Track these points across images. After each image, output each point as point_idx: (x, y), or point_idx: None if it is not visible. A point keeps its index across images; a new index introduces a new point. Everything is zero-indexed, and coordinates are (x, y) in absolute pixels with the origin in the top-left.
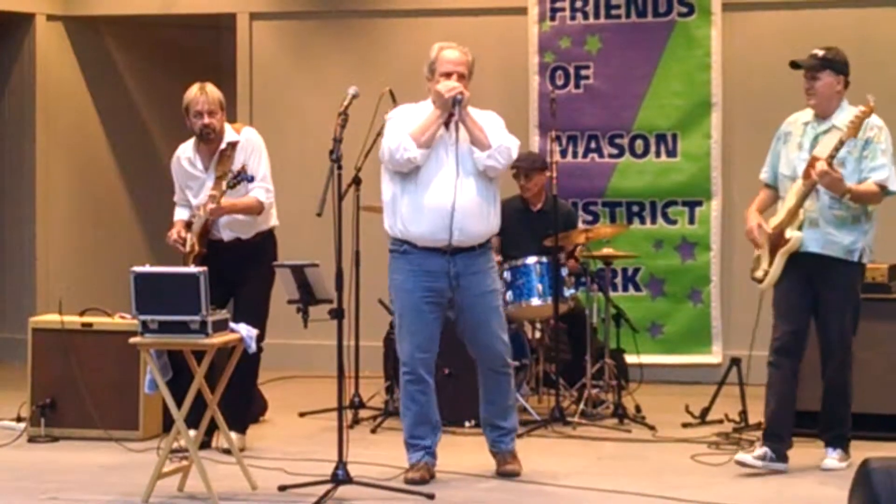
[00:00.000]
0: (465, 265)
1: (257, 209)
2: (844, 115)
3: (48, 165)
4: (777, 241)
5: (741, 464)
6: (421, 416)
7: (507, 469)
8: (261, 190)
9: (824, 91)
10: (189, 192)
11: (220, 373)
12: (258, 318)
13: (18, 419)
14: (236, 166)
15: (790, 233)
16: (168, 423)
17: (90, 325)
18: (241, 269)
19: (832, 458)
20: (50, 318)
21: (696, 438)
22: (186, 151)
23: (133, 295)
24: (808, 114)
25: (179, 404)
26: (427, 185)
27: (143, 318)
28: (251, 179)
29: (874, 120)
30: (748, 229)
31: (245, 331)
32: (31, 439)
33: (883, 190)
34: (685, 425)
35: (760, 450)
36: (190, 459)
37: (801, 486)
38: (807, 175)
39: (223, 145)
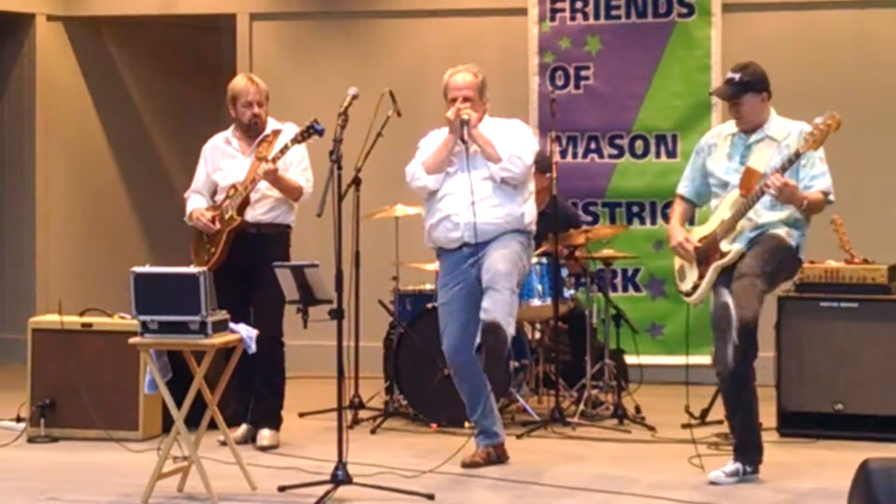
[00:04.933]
0: (487, 244)
1: (297, 193)
2: (776, 124)
3: (48, 165)
4: (709, 252)
5: (715, 483)
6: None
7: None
8: (302, 178)
9: (750, 111)
10: (219, 174)
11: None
12: (277, 317)
13: (18, 419)
14: (275, 153)
15: (727, 246)
16: (168, 424)
17: (90, 325)
18: (256, 270)
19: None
20: (50, 319)
21: (696, 439)
22: (222, 136)
23: (133, 295)
24: (732, 125)
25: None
26: (443, 197)
27: (142, 318)
28: (321, 132)
29: (808, 128)
30: (676, 244)
31: (245, 331)
32: (31, 439)
33: (825, 198)
34: (685, 426)
35: (732, 466)
36: (190, 460)
37: (799, 485)
38: (746, 187)
39: (267, 131)
